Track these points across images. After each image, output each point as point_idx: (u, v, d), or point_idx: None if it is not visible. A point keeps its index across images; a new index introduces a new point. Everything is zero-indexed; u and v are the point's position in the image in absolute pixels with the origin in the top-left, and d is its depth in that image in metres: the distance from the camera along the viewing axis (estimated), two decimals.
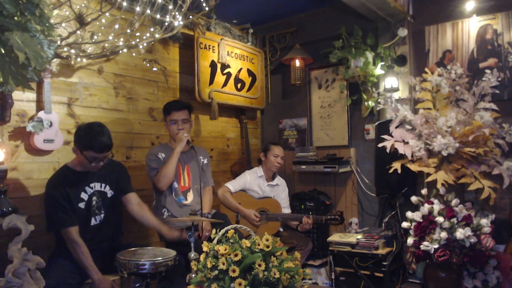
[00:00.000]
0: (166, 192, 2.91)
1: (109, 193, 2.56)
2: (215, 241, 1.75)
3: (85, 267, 2.28)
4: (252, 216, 3.41)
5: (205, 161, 3.16)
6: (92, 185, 2.48)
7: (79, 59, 2.78)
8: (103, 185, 2.53)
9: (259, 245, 1.67)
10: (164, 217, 2.88)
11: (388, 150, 3.15)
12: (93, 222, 2.46)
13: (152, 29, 2.97)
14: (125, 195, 2.62)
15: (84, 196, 2.43)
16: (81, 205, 2.41)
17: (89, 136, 2.33)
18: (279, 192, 3.73)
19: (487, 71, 3.16)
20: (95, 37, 2.78)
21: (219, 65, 3.85)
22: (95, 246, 2.43)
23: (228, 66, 3.95)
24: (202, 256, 1.69)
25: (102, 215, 2.51)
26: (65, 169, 2.46)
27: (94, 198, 2.48)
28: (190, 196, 3.01)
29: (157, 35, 2.94)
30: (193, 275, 1.79)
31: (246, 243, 1.68)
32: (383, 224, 3.52)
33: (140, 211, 2.62)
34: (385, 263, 3.14)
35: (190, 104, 3.08)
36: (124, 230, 2.76)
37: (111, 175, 2.59)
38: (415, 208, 2.96)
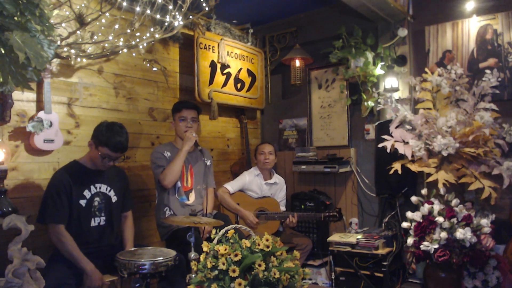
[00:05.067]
0: (169, 190, 2.93)
1: (114, 198, 2.56)
2: (215, 241, 1.75)
3: (75, 258, 2.27)
4: (250, 218, 3.41)
5: (208, 163, 3.17)
6: (97, 185, 2.49)
7: (79, 59, 2.78)
8: (109, 188, 2.54)
9: (259, 245, 1.67)
10: (166, 216, 2.88)
11: (388, 150, 3.15)
12: (92, 223, 2.46)
13: (152, 29, 2.97)
14: (126, 212, 2.70)
15: (86, 193, 2.43)
16: (82, 202, 2.41)
17: (108, 134, 2.38)
18: (277, 191, 3.74)
19: (487, 71, 3.16)
20: (95, 37, 2.78)
21: (219, 65, 3.85)
22: (96, 249, 2.43)
23: (228, 66, 3.95)
24: (202, 256, 1.69)
25: (103, 218, 2.50)
26: (74, 163, 2.49)
27: (97, 198, 2.48)
28: (192, 197, 3.03)
29: (157, 35, 2.94)
30: (193, 275, 1.79)
31: (246, 243, 1.68)
32: (383, 224, 3.52)
33: (123, 225, 2.69)
34: (385, 263, 3.14)
35: (199, 107, 3.15)
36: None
37: (118, 183, 2.60)
38: (415, 208, 2.96)
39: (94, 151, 2.42)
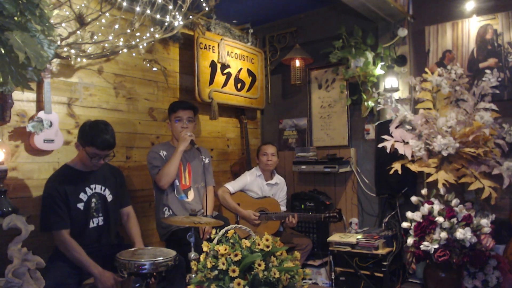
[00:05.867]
0: (167, 190, 2.92)
1: (109, 197, 2.55)
2: (215, 241, 1.75)
3: (82, 264, 2.27)
4: (251, 216, 3.41)
5: (207, 161, 3.16)
6: (92, 186, 2.48)
7: (79, 59, 2.78)
8: (103, 188, 2.53)
9: (259, 245, 1.67)
10: (166, 216, 2.88)
11: (388, 150, 3.15)
12: (91, 224, 2.45)
13: (152, 29, 2.97)
14: (124, 208, 2.69)
15: (83, 196, 2.42)
16: (80, 205, 2.40)
17: (93, 132, 2.35)
18: (278, 191, 3.74)
19: (487, 71, 3.16)
20: (95, 37, 2.78)
21: (219, 65, 3.85)
22: (95, 249, 2.42)
23: (228, 66, 3.95)
24: (202, 256, 1.69)
25: (101, 218, 2.49)
26: (65, 168, 2.46)
27: (93, 200, 2.47)
28: (191, 195, 3.02)
29: (157, 35, 2.94)
30: (193, 275, 1.79)
31: (246, 243, 1.68)
32: (383, 224, 3.52)
33: (128, 223, 2.69)
34: (385, 263, 3.14)
35: (196, 106, 3.13)
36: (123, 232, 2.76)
37: (112, 181, 2.59)
38: (415, 208, 2.96)
39: (82, 151, 2.40)
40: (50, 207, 2.30)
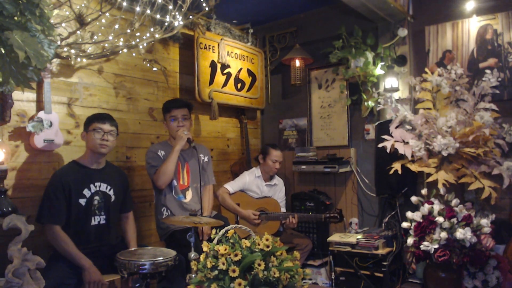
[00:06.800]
0: (165, 190, 2.91)
1: (113, 197, 2.56)
2: (215, 241, 1.75)
3: (72, 256, 2.27)
4: (251, 216, 3.41)
5: (206, 159, 3.15)
6: (97, 184, 2.49)
7: (79, 59, 2.78)
8: (108, 187, 2.54)
9: (259, 245, 1.67)
10: (164, 217, 2.88)
11: (388, 150, 3.15)
12: (92, 222, 2.46)
13: (152, 29, 2.97)
14: (127, 213, 2.71)
15: (86, 193, 2.43)
16: (82, 201, 2.41)
17: (93, 115, 2.54)
18: (276, 191, 3.74)
19: (487, 71, 3.16)
20: (95, 37, 2.78)
21: (219, 65, 3.85)
22: (96, 248, 2.43)
23: (228, 66, 3.95)
24: (202, 256, 1.69)
25: (103, 217, 2.50)
26: (73, 163, 2.50)
27: (97, 197, 2.48)
28: (189, 195, 3.01)
29: (157, 35, 2.94)
30: (193, 275, 1.79)
31: (246, 243, 1.68)
32: (383, 224, 3.52)
33: (126, 225, 2.71)
34: (385, 263, 3.14)
35: (190, 103, 3.09)
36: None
37: (118, 183, 2.61)
38: (415, 208, 2.96)
39: (88, 136, 2.47)
40: (48, 199, 2.32)
